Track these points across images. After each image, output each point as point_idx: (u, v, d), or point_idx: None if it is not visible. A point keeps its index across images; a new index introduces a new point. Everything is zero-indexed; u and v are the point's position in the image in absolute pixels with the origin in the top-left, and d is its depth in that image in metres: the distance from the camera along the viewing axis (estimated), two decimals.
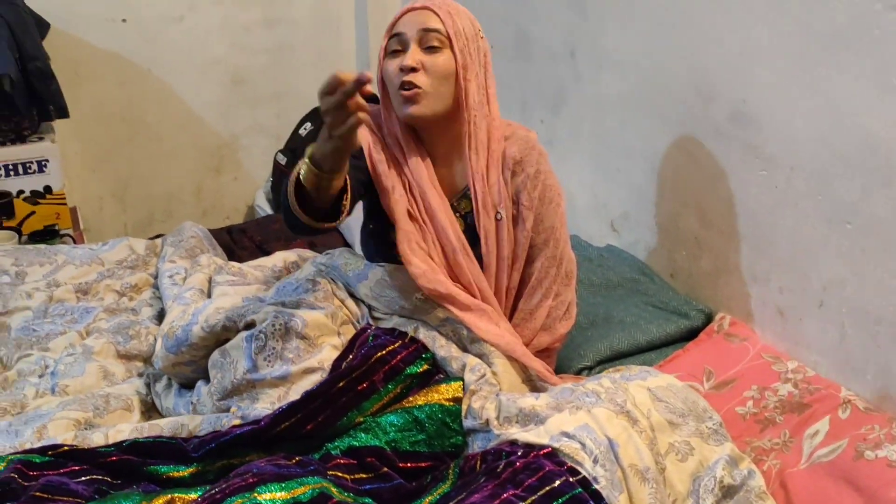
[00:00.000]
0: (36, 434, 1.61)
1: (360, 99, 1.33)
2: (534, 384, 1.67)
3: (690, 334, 1.93)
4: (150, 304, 2.18)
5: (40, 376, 1.88)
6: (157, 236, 2.53)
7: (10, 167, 2.64)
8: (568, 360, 1.85)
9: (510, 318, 1.74)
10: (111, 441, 1.56)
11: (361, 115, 1.34)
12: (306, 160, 1.45)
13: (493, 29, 2.66)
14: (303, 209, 1.49)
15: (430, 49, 1.60)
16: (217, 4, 3.18)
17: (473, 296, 1.67)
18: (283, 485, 1.30)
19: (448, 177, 1.71)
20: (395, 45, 1.62)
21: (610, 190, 2.29)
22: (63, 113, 2.69)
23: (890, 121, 1.49)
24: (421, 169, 1.67)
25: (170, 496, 1.35)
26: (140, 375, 1.91)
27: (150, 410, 1.82)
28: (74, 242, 2.70)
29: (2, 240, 2.58)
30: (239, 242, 2.58)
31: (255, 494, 1.26)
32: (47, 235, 2.70)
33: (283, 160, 3.13)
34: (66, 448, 1.48)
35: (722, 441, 1.48)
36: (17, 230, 2.66)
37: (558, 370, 1.83)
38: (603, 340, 1.87)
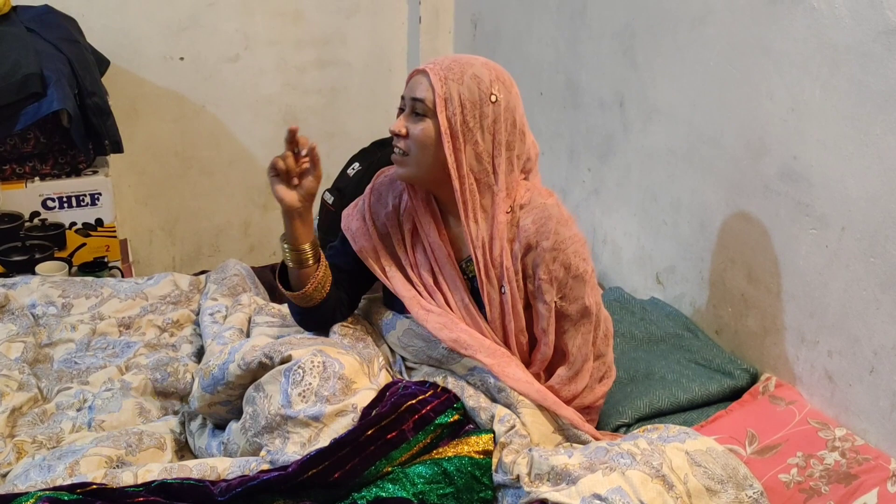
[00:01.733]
0: (68, 470, 1.61)
1: (282, 159, 1.60)
2: (566, 433, 1.63)
3: (734, 394, 1.87)
4: (191, 341, 2.19)
5: (78, 410, 1.89)
6: (202, 272, 2.55)
7: (65, 199, 2.68)
8: (606, 416, 1.81)
9: (545, 381, 1.70)
10: (140, 481, 1.55)
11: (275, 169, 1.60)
12: (282, 241, 1.70)
13: (543, 77, 2.67)
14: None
15: (416, 116, 1.60)
16: (272, 45, 3.24)
17: None
18: None
19: (458, 238, 1.70)
20: (401, 104, 1.65)
21: (656, 242, 2.25)
22: (118, 148, 2.73)
23: None
24: (432, 227, 1.69)
25: None
26: (175, 413, 1.91)
27: (183, 450, 1.81)
28: (122, 275, 2.74)
29: (52, 270, 2.63)
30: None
31: None
32: (96, 267, 2.73)
33: (330, 199, 3.14)
34: (94, 486, 1.48)
35: None
36: (68, 261, 2.70)
37: (597, 425, 1.79)
38: (643, 397, 1.83)
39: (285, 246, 1.69)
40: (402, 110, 1.64)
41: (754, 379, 1.89)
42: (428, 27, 3.35)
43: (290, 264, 1.70)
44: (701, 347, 1.99)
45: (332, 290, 1.74)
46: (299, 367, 1.64)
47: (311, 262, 1.69)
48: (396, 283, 1.73)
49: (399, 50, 3.43)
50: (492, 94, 1.58)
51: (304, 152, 1.60)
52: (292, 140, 1.60)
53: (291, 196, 1.62)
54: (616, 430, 1.79)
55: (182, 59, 3.15)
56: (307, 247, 1.68)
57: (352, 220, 1.81)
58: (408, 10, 3.38)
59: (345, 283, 1.80)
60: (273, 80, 3.29)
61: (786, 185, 1.78)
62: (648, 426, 1.64)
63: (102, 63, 2.88)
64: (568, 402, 1.69)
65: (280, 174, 1.62)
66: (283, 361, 1.69)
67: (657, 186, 2.22)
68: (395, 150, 1.64)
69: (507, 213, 1.64)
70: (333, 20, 3.30)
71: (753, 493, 1.44)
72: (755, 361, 1.92)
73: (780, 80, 1.77)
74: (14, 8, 2.72)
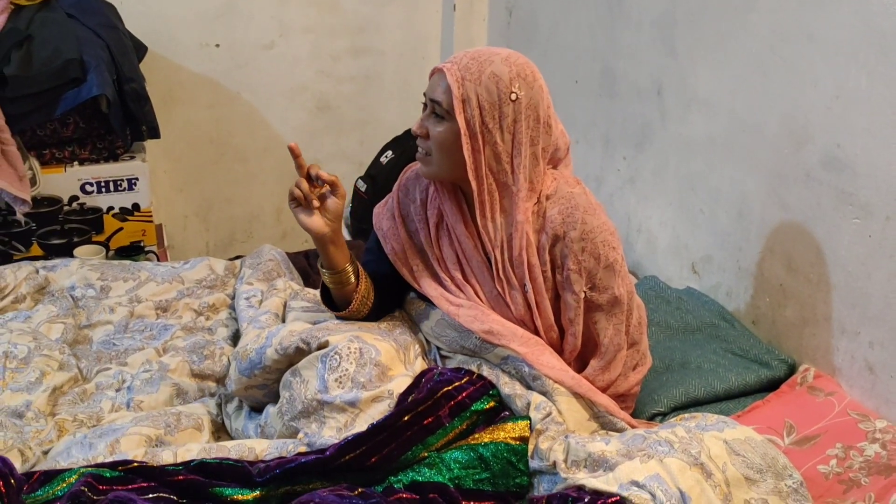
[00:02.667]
0: (108, 448, 1.63)
1: (297, 187, 1.61)
2: (601, 421, 1.62)
3: (771, 385, 1.85)
4: (226, 325, 2.21)
5: (117, 390, 1.91)
6: (237, 257, 2.57)
7: (103, 184, 2.71)
8: (641, 404, 1.80)
9: (579, 373, 1.70)
10: (179, 460, 1.57)
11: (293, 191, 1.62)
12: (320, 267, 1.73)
13: (579, 65, 2.65)
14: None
15: (435, 117, 1.59)
16: (307, 32, 3.25)
17: None
18: None
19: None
20: (424, 100, 1.64)
21: (692, 232, 2.23)
22: (155, 133, 2.76)
23: None
24: (459, 222, 1.68)
25: None
26: (212, 395, 1.93)
27: (220, 431, 1.83)
28: (158, 259, 2.77)
29: (90, 254, 2.66)
30: (315, 267, 2.59)
31: None
32: (133, 251, 2.77)
33: (363, 187, 3.15)
34: (135, 464, 1.50)
35: (802, 502, 1.41)
36: (105, 245, 2.74)
37: (633, 413, 1.78)
38: (678, 386, 1.82)
39: (324, 272, 1.71)
40: (424, 106, 1.64)
41: (792, 370, 1.87)
42: (462, 15, 3.34)
43: (331, 286, 1.73)
44: (737, 337, 1.97)
45: (375, 300, 1.76)
46: (336, 353, 1.65)
47: (351, 280, 1.71)
48: (424, 282, 1.73)
49: (433, 38, 3.42)
50: (512, 92, 1.55)
51: (312, 174, 1.61)
52: (299, 164, 1.62)
53: (317, 223, 1.63)
54: (651, 418, 1.78)
55: (218, 45, 3.17)
56: (347, 268, 1.70)
57: (382, 219, 1.81)
58: None
59: (386, 290, 1.80)
60: (307, 67, 3.30)
61: (828, 174, 1.76)
62: (685, 415, 1.63)
63: (140, 49, 2.90)
64: (602, 390, 1.68)
65: (300, 203, 1.62)
66: (320, 347, 1.70)
67: (695, 175, 2.20)
68: (419, 149, 1.64)
69: (534, 205, 1.62)
70: (368, 8, 3.30)
71: (793, 482, 1.43)
72: (793, 352, 1.91)
73: (826, 67, 1.75)
74: None
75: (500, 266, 1.64)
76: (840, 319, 1.77)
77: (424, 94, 1.62)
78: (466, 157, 1.56)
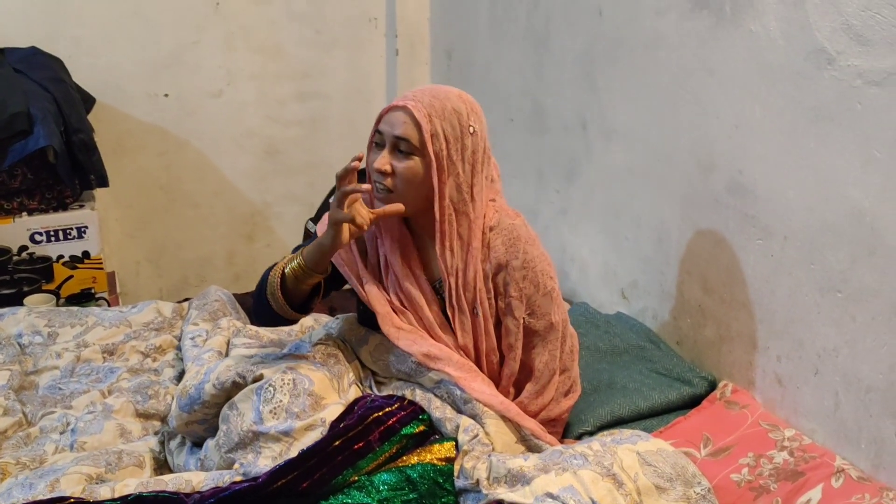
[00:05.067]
0: (48, 487, 1.67)
1: (358, 218, 1.59)
2: (529, 444, 1.70)
3: (693, 402, 1.94)
4: (173, 365, 2.26)
5: (61, 433, 1.95)
6: (185, 300, 2.62)
7: (52, 233, 2.75)
8: (569, 424, 1.88)
9: (514, 397, 1.77)
10: (117, 495, 1.61)
11: (356, 219, 1.58)
12: (298, 259, 1.68)
13: (512, 104, 2.77)
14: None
15: (401, 154, 1.63)
16: (253, 80, 3.34)
17: None
18: None
19: (433, 260, 1.76)
20: (378, 139, 1.67)
21: (620, 258, 2.33)
22: (103, 182, 2.81)
23: (872, 192, 1.52)
24: (396, 253, 1.73)
25: None
26: (156, 434, 1.98)
27: (162, 468, 1.87)
28: (109, 305, 2.80)
29: (40, 302, 2.70)
30: None
31: None
32: (83, 298, 2.80)
33: (312, 228, 3.23)
34: (72, 500, 1.54)
35: None
36: (56, 293, 2.77)
37: (562, 435, 1.86)
38: (604, 406, 1.90)
39: (305, 266, 1.68)
40: (377, 145, 1.67)
41: (713, 386, 1.96)
42: (405, 59, 3.46)
43: (296, 277, 1.70)
44: (662, 358, 2.06)
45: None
46: (270, 385, 1.71)
47: (314, 283, 1.72)
48: (372, 297, 1.77)
49: (377, 81, 3.53)
50: (470, 125, 1.65)
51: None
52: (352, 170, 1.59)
53: (347, 237, 1.63)
54: (579, 437, 1.85)
55: (167, 95, 3.25)
56: (325, 275, 1.72)
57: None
58: (385, 44, 3.48)
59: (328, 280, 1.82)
60: (255, 113, 3.39)
61: (733, 199, 1.87)
62: (606, 432, 1.71)
63: (88, 101, 2.97)
64: (535, 414, 1.76)
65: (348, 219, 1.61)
66: (255, 380, 1.76)
67: (619, 204, 2.30)
68: (379, 186, 1.66)
69: (484, 235, 1.71)
70: (313, 54, 3.40)
71: (701, 489, 1.51)
72: (713, 369, 2.00)
73: (725, 99, 1.86)
74: (1, 50, 2.81)
75: (453, 292, 1.71)
76: (751, 336, 1.86)
77: (379, 132, 1.66)
78: (436, 189, 1.63)
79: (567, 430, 1.88)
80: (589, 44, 2.34)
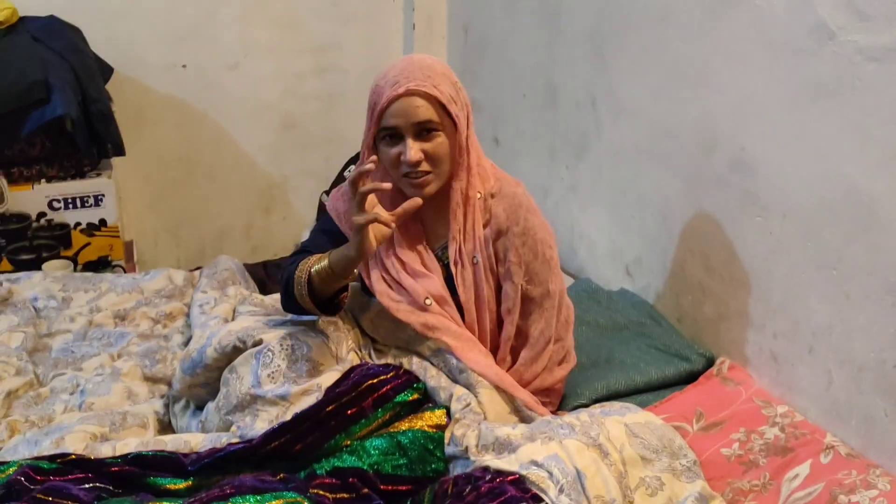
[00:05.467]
0: (53, 444, 1.72)
1: (382, 215, 1.57)
2: (521, 414, 1.72)
3: (690, 378, 1.95)
4: (181, 332, 2.30)
5: (71, 394, 2.00)
6: (197, 268, 2.67)
7: (70, 200, 2.79)
8: (565, 398, 1.89)
9: (511, 365, 1.79)
10: (118, 453, 1.66)
11: (378, 217, 1.56)
12: (325, 262, 1.67)
13: (525, 80, 2.77)
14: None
15: (426, 136, 1.63)
16: (271, 52, 3.36)
17: None
18: (259, 497, 1.39)
19: (436, 226, 1.78)
20: (389, 132, 1.65)
21: (625, 236, 2.33)
22: (119, 151, 2.85)
23: (869, 170, 1.51)
24: (399, 227, 1.72)
25: None
26: (162, 397, 2.03)
27: (166, 429, 1.92)
28: (125, 273, 2.85)
29: (58, 268, 2.75)
30: (273, 277, 2.69)
31: (230, 503, 1.35)
32: (100, 266, 2.85)
33: (326, 201, 3.26)
34: (73, 457, 1.59)
35: (694, 478, 1.50)
36: (74, 259, 2.83)
37: (558, 408, 1.88)
38: (601, 380, 1.91)
39: (333, 271, 1.67)
40: (391, 137, 1.65)
41: (710, 362, 1.97)
42: (422, 34, 3.46)
43: (324, 280, 1.69)
44: (661, 334, 2.07)
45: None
46: (269, 350, 1.75)
47: (336, 290, 1.73)
48: (372, 274, 1.80)
49: (395, 56, 3.53)
50: (457, 81, 1.69)
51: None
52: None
53: (373, 245, 1.63)
54: (574, 410, 1.87)
55: (184, 66, 3.28)
56: (347, 282, 1.73)
57: (339, 202, 1.85)
58: (403, 18, 3.49)
59: None
60: (272, 86, 3.41)
61: (735, 176, 1.86)
62: (598, 405, 1.72)
63: (106, 70, 3.00)
64: (528, 383, 1.78)
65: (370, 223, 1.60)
66: (255, 345, 1.79)
67: (625, 182, 2.30)
68: (416, 175, 1.65)
69: (479, 196, 1.73)
70: (330, 28, 3.41)
71: (687, 461, 1.52)
72: (712, 346, 2.00)
73: (729, 74, 1.85)
74: (21, 18, 2.85)
75: (458, 246, 1.73)
76: (749, 313, 1.87)
77: (392, 127, 1.63)
78: (462, 148, 1.66)
79: (563, 402, 1.90)
80: (599, 20, 2.34)
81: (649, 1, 2.11)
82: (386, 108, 1.63)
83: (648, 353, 2.00)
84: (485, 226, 1.73)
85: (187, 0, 3.18)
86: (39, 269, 2.70)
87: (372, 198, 1.61)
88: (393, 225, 1.61)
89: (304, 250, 1.84)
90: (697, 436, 1.71)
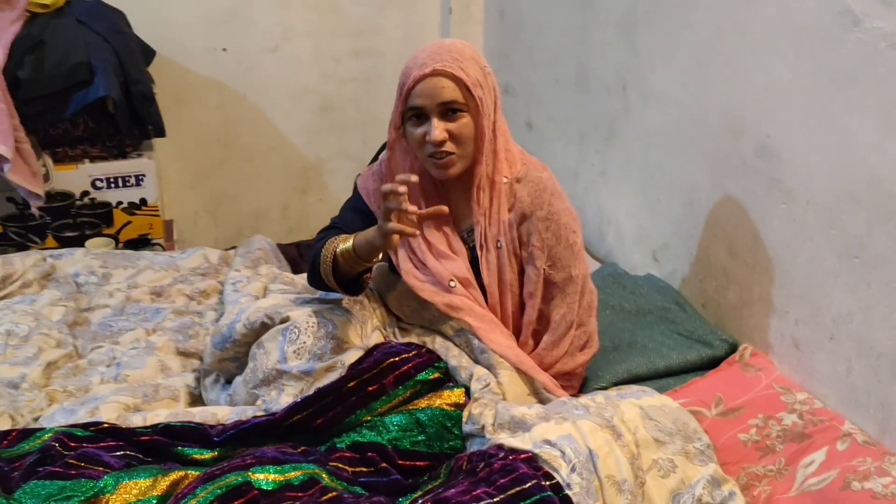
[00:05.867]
0: (88, 413, 1.79)
1: (405, 225, 1.59)
2: (540, 396, 1.74)
3: (713, 363, 1.95)
4: (215, 309, 2.37)
5: (107, 366, 2.07)
6: (232, 248, 2.73)
7: (112, 180, 2.87)
8: (586, 380, 1.91)
9: (533, 349, 1.82)
10: (148, 423, 1.73)
11: (405, 230, 1.58)
12: (349, 244, 1.69)
13: (558, 64, 2.77)
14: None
15: (451, 116, 1.66)
16: (309, 36, 3.40)
17: None
18: (279, 468, 1.43)
19: (462, 208, 1.81)
20: (415, 112, 1.67)
21: (653, 221, 2.34)
22: (160, 132, 2.92)
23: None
24: (426, 207, 1.74)
25: (184, 473, 1.50)
26: (194, 371, 2.09)
27: (196, 402, 1.98)
28: (164, 251, 2.92)
29: (100, 246, 2.83)
30: (305, 256, 2.74)
31: (250, 473, 1.40)
32: (140, 244, 2.93)
33: None
34: (105, 425, 1.65)
35: (707, 462, 1.52)
36: (115, 237, 2.91)
37: (579, 390, 1.90)
38: (622, 364, 1.92)
39: (361, 262, 1.71)
40: (416, 118, 1.68)
41: (733, 348, 1.97)
42: (458, 17, 3.48)
43: (349, 264, 1.72)
44: (685, 319, 2.07)
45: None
46: (295, 327, 1.80)
47: (360, 270, 1.76)
48: (400, 253, 1.84)
49: (431, 39, 3.53)
50: (485, 66, 1.72)
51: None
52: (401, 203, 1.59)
53: (397, 239, 1.63)
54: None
55: (225, 49, 3.34)
56: (370, 265, 1.75)
57: (369, 181, 1.89)
58: (440, 2, 3.51)
59: None
60: (310, 70, 3.46)
61: (761, 162, 1.86)
62: (615, 387, 1.74)
63: (148, 53, 3.07)
64: (550, 366, 1.80)
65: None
66: (282, 321, 1.84)
67: (654, 167, 2.31)
68: (440, 155, 1.68)
69: (506, 181, 1.75)
70: (368, 12, 3.45)
71: (701, 444, 1.54)
72: (735, 332, 2.00)
73: (755, 60, 1.85)
74: (67, 2, 2.92)
75: (483, 230, 1.75)
76: (771, 300, 1.87)
77: (418, 107, 1.66)
78: (486, 133, 1.68)
79: (583, 386, 1.91)
80: (631, 3, 2.34)
81: None
82: (412, 88, 1.66)
83: (671, 338, 2.01)
84: (510, 210, 1.75)
85: None
86: (82, 245, 2.78)
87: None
88: (417, 232, 1.63)
89: (332, 226, 1.87)
90: (715, 421, 1.72)
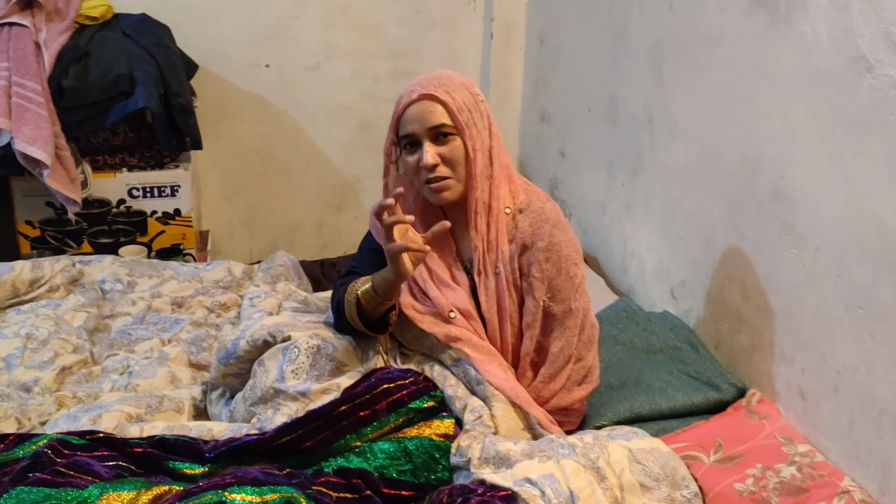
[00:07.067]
0: (91, 421, 1.82)
1: (412, 244, 1.62)
2: (535, 432, 1.72)
3: (719, 407, 1.90)
4: (232, 322, 2.40)
5: (121, 374, 2.11)
6: (258, 262, 2.76)
7: (148, 189, 2.93)
8: (587, 417, 1.88)
9: (532, 381, 1.79)
10: (144, 434, 1.75)
11: (410, 246, 1.60)
12: (369, 284, 1.72)
13: (591, 94, 2.76)
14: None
15: (442, 140, 1.68)
16: (350, 56, 3.44)
17: None
18: (257, 489, 1.44)
19: (464, 239, 1.81)
20: (408, 141, 1.70)
21: (672, 257, 2.30)
22: (197, 145, 2.97)
23: None
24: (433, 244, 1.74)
25: (168, 487, 1.51)
26: (203, 384, 2.12)
27: (201, 415, 2.00)
28: (195, 262, 2.97)
29: (133, 253, 2.90)
30: (328, 275, 2.76)
31: (227, 493, 1.41)
32: (172, 253, 2.99)
33: None
34: (101, 435, 1.68)
35: None
36: (148, 246, 2.97)
37: (578, 428, 1.87)
38: (625, 402, 1.89)
39: (378, 298, 1.72)
40: (410, 146, 1.70)
41: (742, 393, 1.92)
42: (499, 43, 3.48)
43: (371, 306, 1.74)
44: (696, 360, 2.03)
45: None
46: (295, 347, 1.81)
47: (384, 309, 1.76)
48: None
49: (472, 64, 3.56)
50: (478, 93, 1.73)
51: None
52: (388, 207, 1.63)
53: (411, 268, 1.67)
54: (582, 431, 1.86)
55: (267, 66, 3.39)
56: (393, 303, 1.77)
57: (373, 217, 1.89)
58: (482, 27, 3.52)
59: None
60: (350, 88, 3.49)
61: (775, 204, 1.82)
62: (608, 427, 1.71)
63: (191, 67, 3.14)
64: (546, 400, 1.78)
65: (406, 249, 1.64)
66: (283, 340, 1.86)
67: (675, 202, 2.27)
68: (435, 180, 1.69)
69: (507, 210, 1.74)
70: (410, 34, 3.47)
71: (688, 493, 1.50)
72: (745, 376, 1.96)
73: (774, 100, 1.81)
74: (115, 15, 3.01)
75: (481, 256, 1.75)
76: (780, 346, 1.82)
77: (409, 134, 1.69)
78: (472, 158, 1.68)
79: (584, 423, 1.89)
80: (659, 37, 2.31)
81: (706, 21, 2.07)
82: (402, 115, 1.71)
83: (679, 378, 1.97)
84: (510, 241, 1.74)
85: (272, 2, 3.30)
86: (116, 252, 2.85)
87: (401, 225, 1.64)
88: (427, 248, 1.65)
89: (351, 271, 1.89)
90: (712, 468, 1.68)
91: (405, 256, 1.65)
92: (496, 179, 1.73)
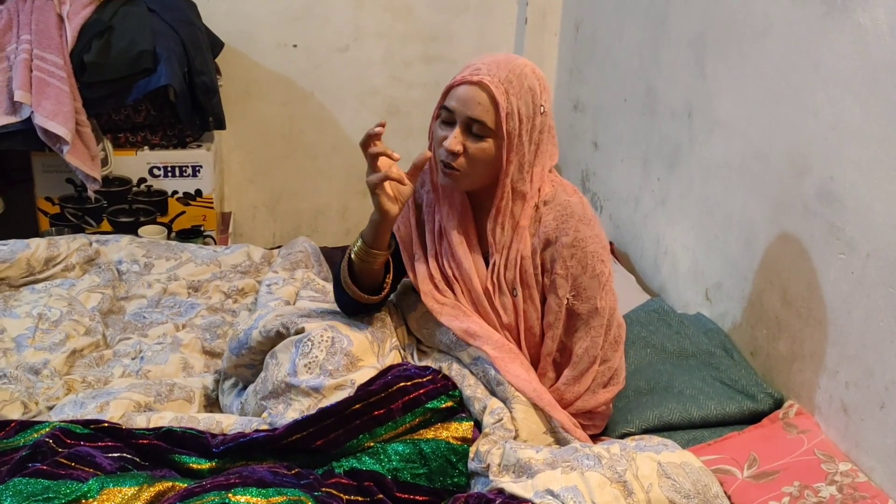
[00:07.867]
0: (97, 409, 1.75)
1: (392, 170, 1.55)
2: (557, 436, 1.63)
3: (754, 418, 1.81)
4: (249, 309, 2.32)
5: (132, 359, 2.05)
6: (277, 247, 2.69)
7: (169, 169, 2.87)
8: (613, 423, 1.80)
9: (554, 383, 1.72)
10: (151, 425, 1.68)
11: (389, 173, 1.54)
12: (359, 237, 1.65)
13: (627, 84, 2.65)
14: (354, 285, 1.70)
15: (474, 135, 1.57)
16: (380, 38, 3.35)
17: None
18: (262, 491, 1.36)
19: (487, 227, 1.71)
20: (446, 116, 1.61)
21: (708, 257, 2.19)
22: (220, 125, 2.91)
23: None
24: (453, 220, 1.69)
25: (171, 484, 1.44)
26: (216, 373, 2.05)
27: (212, 405, 1.93)
28: (216, 244, 2.91)
29: (153, 233, 2.84)
30: None
31: (230, 495, 1.33)
32: (192, 234, 2.93)
33: None
34: (106, 424, 1.61)
35: None
36: (168, 226, 2.91)
37: (603, 432, 1.78)
38: (654, 409, 1.80)
39: (366, 248, 1.67)
40: (445, 122, 1.62)
41: (778, 404, 1.82)
42: (534, 28, 3.37)
43: (362, 261, 1.68)
44: (730, 367, 1.93)
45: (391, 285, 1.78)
46: (309, 340, 1.73)
47: (381, 263, 1.70)
48: (419, 274, 1.76)
49: (505, 49, 3.46)
50: (541, 105, 1.60)
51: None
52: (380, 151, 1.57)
53: (393, 205, 1.60)
54: (621, 437, 1.77)
55: (295, 46, 3.31)
56: (386, 251, 1.70)
57: None
58: (516, 12, 3.41)
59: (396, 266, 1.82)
60: (379, 71, 3.41)
61: (822, 206, 1.71)
62: (637, 436, 1.62)
63: (216, 45, 3.07)
64: (570, 403, 1.69)
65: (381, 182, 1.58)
66: (297, 332, 1.78)
67: (713, 200, 2.16)
68: (447, 166, 1.61)
69: (533, 210, 1.66)
70: (442, 17, 3.38)
71: None
72: (782, 387, 1.86)
73: (825, 96, 1.70)
74: None
75: (496, 270, 1.67)
76: (822, 357, 1.71)
77: (450, 110, 1.59)
78: (504, 168, 1.59)
79: (610, 428, 1.80)
80: (704, 27, 2.20)
81: (753, 10, 1.96)
82: (454, 87, 1.59)
83: (712, 385, 1.87)
84: (533, 235, 1.65)
85: None
86: (136, 232, 2.79)
87: (384, 160, 1.57)
88: (408, 182, 1.58)
89: None
90: (746, 483, 1.58)
91: (386, 188, 1.58)
92: (530, 199, 1.64)
